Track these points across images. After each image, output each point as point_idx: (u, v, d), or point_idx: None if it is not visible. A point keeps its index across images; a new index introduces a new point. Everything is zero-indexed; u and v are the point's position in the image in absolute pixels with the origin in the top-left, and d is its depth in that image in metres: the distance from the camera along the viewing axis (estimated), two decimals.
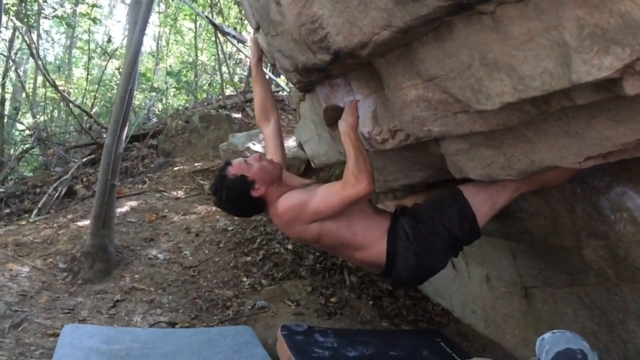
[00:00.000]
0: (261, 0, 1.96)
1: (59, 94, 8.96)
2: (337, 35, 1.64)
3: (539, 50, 1.27)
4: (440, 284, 3.74)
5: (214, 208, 5.30)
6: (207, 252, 4.42)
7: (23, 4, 8.63)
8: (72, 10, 11.77)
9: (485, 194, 2.20)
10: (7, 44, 9.45)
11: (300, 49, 1.86)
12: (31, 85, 12.69)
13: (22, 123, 10.31)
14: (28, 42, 8.00)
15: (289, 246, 4.48)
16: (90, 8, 10.85)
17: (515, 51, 1.33)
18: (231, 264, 4.23)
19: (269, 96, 2.69)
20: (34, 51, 8.20)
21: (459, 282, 3.52)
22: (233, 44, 8.34)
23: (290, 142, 5.70)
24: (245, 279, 4.01)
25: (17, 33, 9.04)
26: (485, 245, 3.08)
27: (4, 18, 7.36)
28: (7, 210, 6.04)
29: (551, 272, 2.65)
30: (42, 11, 9.67)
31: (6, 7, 7.52)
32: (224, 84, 10.27)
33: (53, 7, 10.09)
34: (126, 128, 4.25)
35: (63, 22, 10.04)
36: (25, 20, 8.16)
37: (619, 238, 2.15)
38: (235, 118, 7.55)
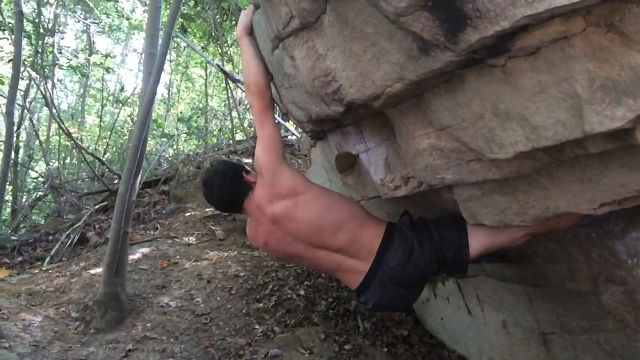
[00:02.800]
0: (275, 54, 2.01)
1: (72, 142, 9.12)
2: (350, 88, 1.67)
3: (551, 102, 1.29)
4: (455, 329, 3.68)
5: (225, 254, 5.31)
6: (219, 299, 4.39)
7: (39, 55, 8.90)
8: (85, 60, 12.10)
9: (486, 227, 2.17)
10: (22, 93, 9.70)
11: (313, 100, 1.90)
12: (45, 133, 12.94)
13: (35, 171, 10.45)
14: (43, 92, 8.19)
15: (301, 292, 4.45)
16: (104, 58, 11.15)
17: (527, 102, 1.35)
18: (243, 311, 4.19)
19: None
20: (49, 101, 8.38)
21: (474, 328, 3.47)
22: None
23: None
24: (257, 326, 3.97)
25: (32, 82, 9.29)
26: (500, 290, 3.05)
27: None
28: (20, 258, 6.05)
29: (569, 318, 2.60)
30: (57, 62, 9.96)
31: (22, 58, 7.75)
32: (234, 129, 10.42)
33: (68, 58, 10.39)
34: (139, 176, 4.30)
35: (77, 72, 10.30)
36: (42, 71, 8.38)
37: (637, 283, 2.11)
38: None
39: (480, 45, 1.21)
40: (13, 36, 7.29)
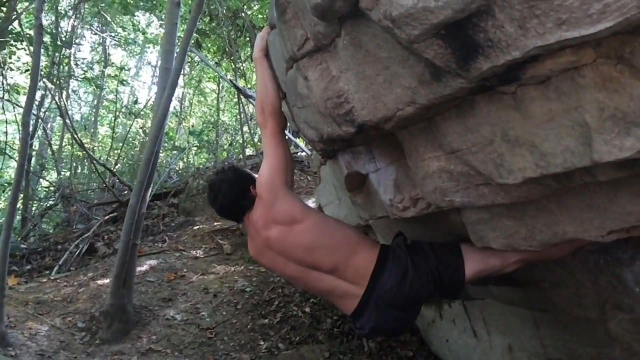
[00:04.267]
0: (289, 74, 2.05)
1: (84, 152, 9.22)
2: (362, 110, 1.70)
3: (560, 130, 1.31)
4: (461, 352, 3.66)
5: (232, 268, 5.32)
6: (224, 313, 4.40)
7: (55, 66, 9.04)
8: (100, 72, 12.27)
9: (481, 252, 2.17)
10: (37, 103, 9.83)
11: (325, 121, 1.93)
12: (57, 142, 13.08)
13: (46, 180, 10.55)
14: (58, 103, 8.30)
15: (307, 309, 4.45)
16: (119, 70, 11.30)
17: (537, 129, 1.36)
18: (248, 327, 4.20)
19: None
20: (64, 111, 8.49)
21: (480, 351, 3.44)
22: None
23: (310, 204, 5.76)
24: (262, 342, 3.97)
25: (47, 93, 9.43)
26: (507, 313, 3.03)
27: None
28: (29, 267, 6.11)
29: (576, 345, 2.58)
30: (73, 73, 10.11)
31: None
32: (245, 144, 10.48)
33: (83, 70, 10.54)
34: (150, 189, 4.34)
35: (92, 83, 10.43)
36: (57, 82, 8.50)
37: None
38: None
39: (492, 73, 1.23)
40: (31, 48, 7.44)
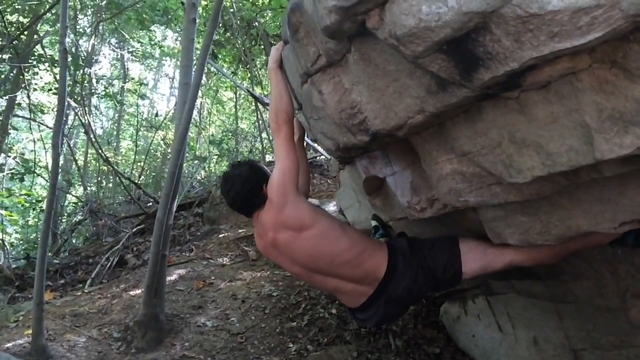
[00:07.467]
0: (304, 88, 2.14)
1: (109, 167, 9.44)
2: (375, 119, 1.79)
3: (563, 130, 1.38)
4: (487, 347, 3.70)
5: (259, 274, 5.43)
6: (253, 318, 4.50)
7: (77, 85, 9.29)
8: (120, 87, 12.53)
9: (479, 254, 2.25)
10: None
11: (341, 131, 2.02)
12: (82, 158, 13.38)
13: (72, 195, 10.79)
14: (82, 121, 8.51)
15: (334, 310, 4.52)
16: (138, 85, 11.53)
17: (541, 131, 1.43)
18: (277, 330, 4.29)
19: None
20: (88, 128, 8.71)
21: (506, 345, 3.49)
22: None
23: (331, 207, 5.85)
24: (291, 345, 4.06)
25: (70, 111, 9.68)
26: (530, 307, 3.08)
27: None
28: (62, 281, 6.30)
29: (599, 334, 2.62)
30: (94, 91, 10.36)
31: None
32: (265, 151, 10.60)
33: (104, 86, 10.78)
34: (176, 200, 4.47)
35: (114, 99, 10.66)
36: (81, 101, 8.73)
37: None
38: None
39: (493, 82, 1.31)
40: (54, 69, 7.67)
